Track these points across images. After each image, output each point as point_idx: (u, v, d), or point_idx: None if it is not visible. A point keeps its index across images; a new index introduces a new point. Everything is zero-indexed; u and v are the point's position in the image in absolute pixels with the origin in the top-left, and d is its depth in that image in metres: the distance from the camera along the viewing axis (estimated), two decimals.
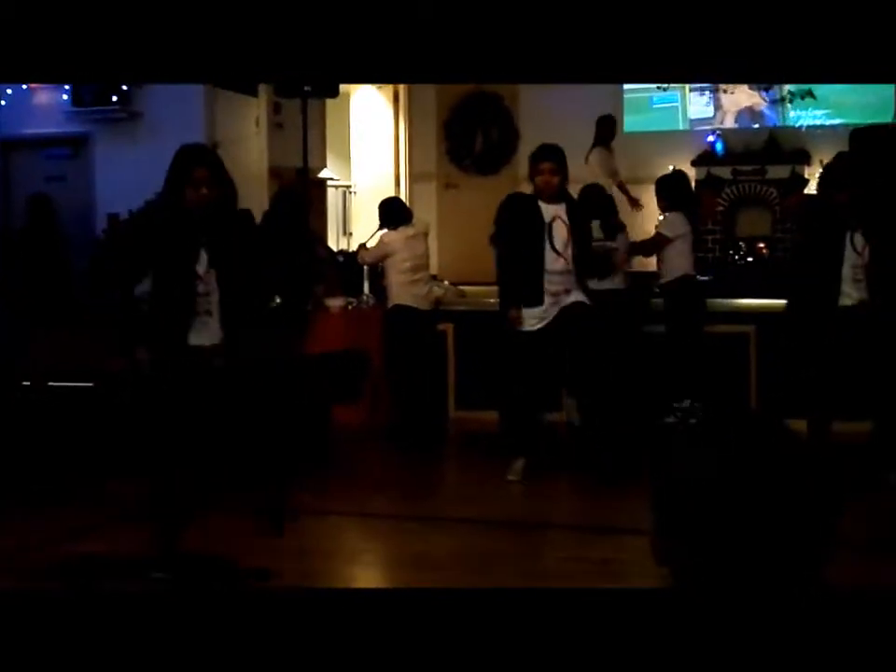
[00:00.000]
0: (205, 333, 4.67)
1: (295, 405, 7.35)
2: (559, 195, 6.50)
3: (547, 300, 6.44)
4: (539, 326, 6.46)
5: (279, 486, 5.23)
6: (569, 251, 6.43)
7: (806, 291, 6.44)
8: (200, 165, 4.61)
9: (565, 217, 6.45)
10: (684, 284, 7.94)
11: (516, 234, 6.56)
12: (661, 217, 8.37)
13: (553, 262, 6.42)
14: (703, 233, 12.71)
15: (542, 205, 6.46)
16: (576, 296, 6.47)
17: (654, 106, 13.29)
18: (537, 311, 6.46)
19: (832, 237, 6.32)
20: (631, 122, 13.25)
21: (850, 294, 6.32)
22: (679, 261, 7.95)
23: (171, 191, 4.65)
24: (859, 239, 6.31)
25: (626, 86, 13.10)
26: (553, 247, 6.41)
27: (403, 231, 8.19)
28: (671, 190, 8.24)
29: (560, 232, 6.42)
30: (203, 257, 4.65)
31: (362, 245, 8.77)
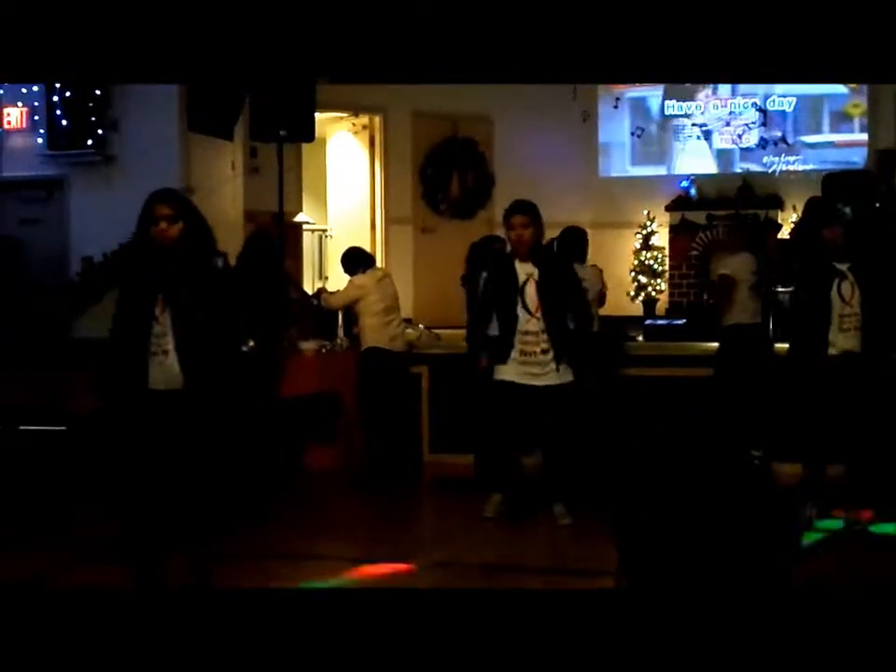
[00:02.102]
0: (162, 376, 4.61)
1: (268, 448, 7.33)
2: (533, 252, 6.51)
3: (520, 357, 6.46)
4: (517, 380, 6.50)
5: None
6: (541, 312, 6.43)
7: (798, 338, 6.49)
8: (161, 203, 4.62)
9: (536, 277, 6.46)
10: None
11: (490, 291, 6.63)
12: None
13: (525, 323, 6.45)
14: (677, 277, 12.83)
15: (517, 264, 6.49)
16: (558, 375, 6.46)
17: (629, 150, 13.39)
18: (517, 367, 6.50)
19: (820, 278, 6.35)
20: (605, 166, 13.35)
21: (835, 343, 6.35)
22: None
23: (137, 232, 4.68)
24: (846, 287, 6.33)
25: (601, 130, 13.21)
26: (525, 308, 6.44)
27: (373, 274, 8.24)
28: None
29: (531, 293, 6.44)
30: (160, 297, 4.62)
31: (323, 290, 8.81)
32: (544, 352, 6.43)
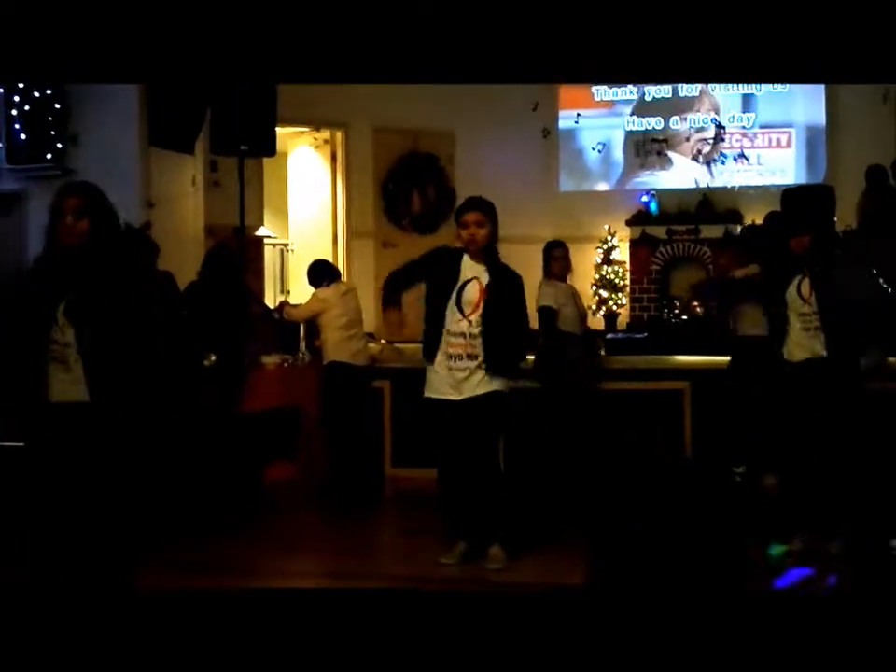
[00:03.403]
0: (65, 387, 4.24)
1: (228, 463, 7.28)
2: (486, 252, 6.00)
3: (445, 361, 5.95)
4: (446, 396, 6.00)
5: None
6: (477, 315, 5.92)
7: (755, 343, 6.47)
8: (71, 196, 4.26)
9: (484, 280, 5.96)
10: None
11: (429, 287, 6.14)
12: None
13: (455, 323, 5.94)
14: (638, 291, 12.91)
15: (466, 261, 5.99)
16: (488, 384, 5.94)
17: (589, 166, 13.47)
18: (444, 374, 5.98)
19: (782, 275, 6.33)
20: (566, 181, 13.42)
21: (802, 344, 6.32)
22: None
23: (49, 228, 4.29)
24: (805, 285, 6.30)
25: (561, 144, 13.29)
26: (458, 307, 5.93)
27: (336, 288, 8.24)
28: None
29: (472, 294, 5.94)
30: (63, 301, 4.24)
31: (285, 303, 8.80)
32: (470, 357, 5.90)
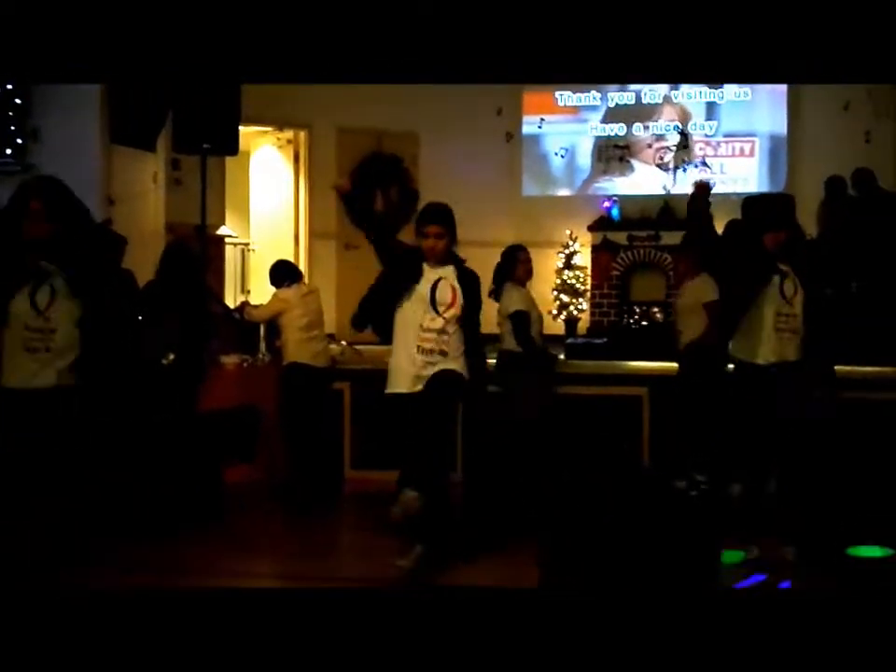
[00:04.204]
0: (27, 374, 4.38)
1: (186, 462, 7.24)
2: (446, 258, 6.13)
3: (415, 355, 6.05)
4: (416, 388, 6.07)
5: None
6: (452, 312, 6.07)
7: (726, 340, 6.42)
8: (35, 198, 4.36)
9: (454, 281, 6.10)
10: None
11: (386, 280, 6.25)
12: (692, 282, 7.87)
13: (430, 321, 6.06)
14: (598, 297, 12.96)
15: (426, 268, 6.09)
16: (447, 363, 6.08)
17: (552, 170, 13.51)
18: (411, 370, 6.07)
19: (759, 272, 6.20)
20: (529, 186, 13.46)
21: (769, 346, 6.19)
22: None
23: (7, 225, 4.40)
24: (789, 285, 6.19)
25: (525, 149, 13.33)
26: (433, 305, 6.05)
27: (298, 289, 8.22)
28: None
29: (445, 292, 6.07)
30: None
31: (246, 303, 8.78)
32: (442, 353, 6.03)
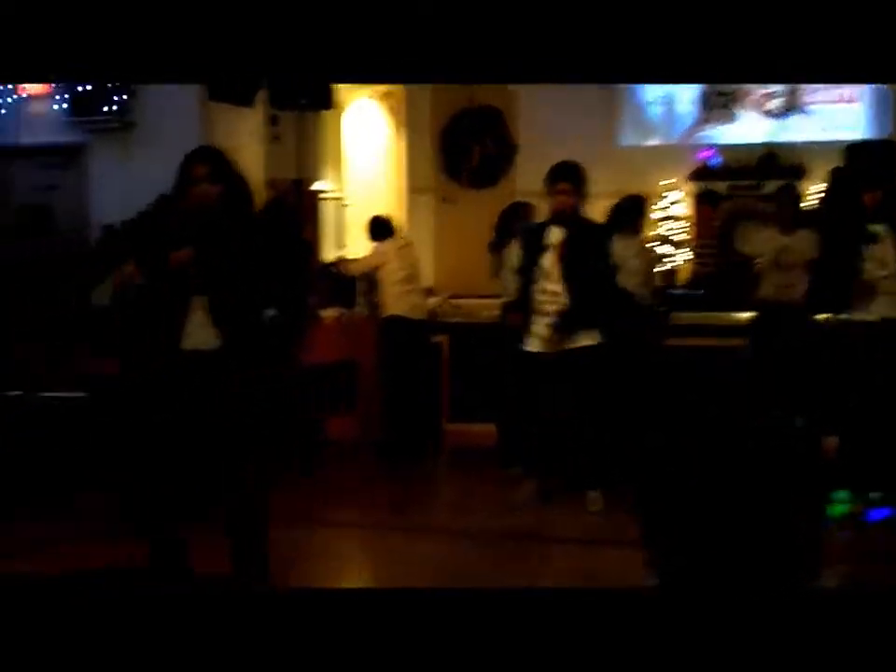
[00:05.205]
0: (196, 337, 4.44)
1: (287, 416, 7.31)
2: (572, 217, 6.34)
3: (540, 319, 6.32)
4: (539, 349, 6.35)
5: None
6: (559, 274, 6.29)
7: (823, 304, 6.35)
8: (198, 162, 4.46)
9: (562, 239, 6.31)
10: None
11: (523, 251, 6.53)
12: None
13: (541, 281, 6.32)
14: (699, 247, 12.77)
15: (552, 228, 6.33)
16: (573, 341, 6.30)
17: (651, 120, 13.30)
18: (535, 329, 6.35)
19: (854, 243, 6.15)
20: (626, 136, 13.27)
21: (869, 308, 6.13)
22: None
23: (174, 190, 4.52)
24: (881, 248, 6.12)
25: (622, 98, 13.13)
26: (543, 269, 6.31)
27: (394, 242, 8.23)
28: None
29: (552, 255, 6.31)
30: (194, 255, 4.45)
31: (343, 257, 8.81)
32: (560, 314, 6.26)
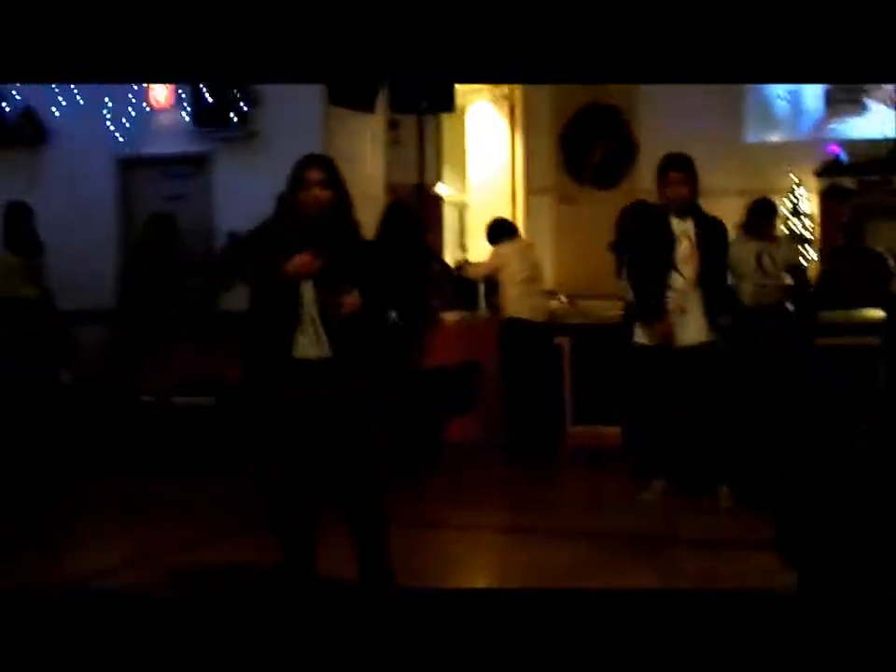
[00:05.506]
0: (311, 345, 4.44)
1: (408, 419, 7.33)
2: (689, 208, 6.30)
3: (670, 315, 6.30)
4: (658, 342, 6.33)
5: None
6: (690, 269, 6.26)
7: None
8: (312, 167, 4.46)
9: (692, 234, 6.27)
10: None
11: (644, 248, 6.47)
12: None
13: (675, 279, 6.28)
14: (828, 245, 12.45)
15: (673, 219, 6.29)
16: (698, 332, 6.28)
17: (776, 115, 13.04)
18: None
19: None
20: (751, 132, 13.02)
21: None
22: None
23: (286, 198, 4.52)
24: None
25: (748, 95, 12.88)
26: (674, 264, 6.26)
27: (515, 244, 8.21)
28: None
29: (684, 249, 6.26)
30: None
31: (465, 261, 8.82)
32: (684, 310, 6.26)
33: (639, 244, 6.54)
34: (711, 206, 7.43)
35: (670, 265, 6.25)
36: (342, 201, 4.50)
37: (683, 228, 6.26)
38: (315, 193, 4.41)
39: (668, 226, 6.26)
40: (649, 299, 6.38)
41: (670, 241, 6.25)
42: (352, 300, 4.37)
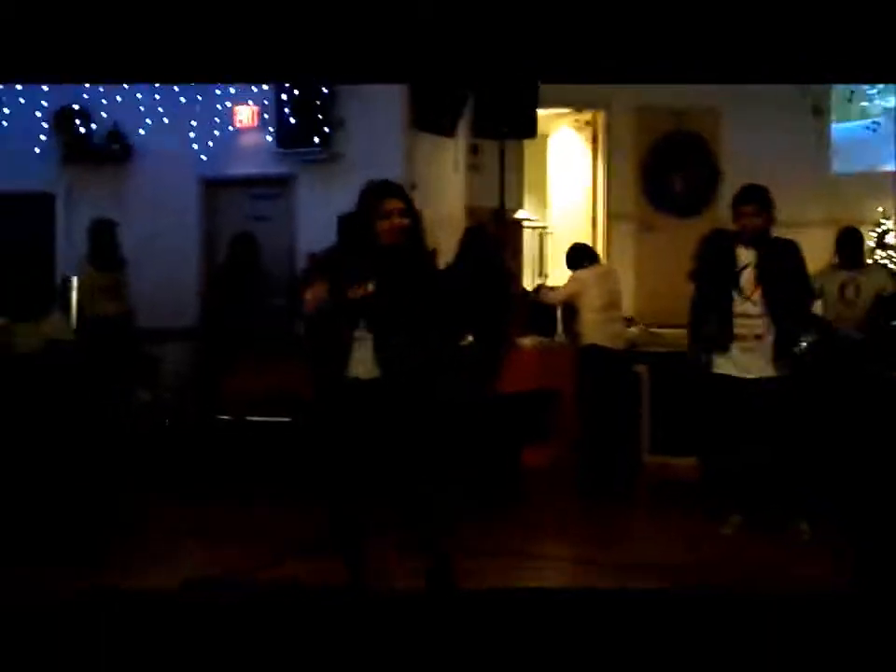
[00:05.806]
0: (359, 367, 4.50)
1: (482, 445, 7.29)
2: (759, 239, 6.35)
3: (736, 344, 6.33)
4: (734, 372, 6.35)
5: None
6: (758, 296, 6.29)
7: None
8: (392, 197, 4.51)
9: (755, 261, 6.33)
10: None
11: (708, 275, 6.56)
12: None
13: (739, 305, 6.33)
14: None
15: (740, 248, 6.37)
16: (775, 367, 6.28)
17: (863, 145, 12.84)
18: (729, 355, 6.35)
19: None
20: (837, 162, 12.83)
21: None
22: None
23: (361, 226, 4.53)
24: None
25: (834, 124, 12.71)
26: (740, 291, 6.33)
27: (594, 270, 8.15)
28: None
29: (748, 277, 6.32)
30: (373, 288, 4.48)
31: (543, 285, 8.79)
32: (758, 337, 6.28)
33: (705, 272, 6.65)
34: (797, 238, 7.34)
35: (730, 294, 6.32)
36: (417, 229, 4.53)
37: (749, 257, 6.32)
38: (395, 222, 4.45)
39: (733, 255, 6.35)
40: (701, 326, 6.51)
41: (731, 269, 6.33)
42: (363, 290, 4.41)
